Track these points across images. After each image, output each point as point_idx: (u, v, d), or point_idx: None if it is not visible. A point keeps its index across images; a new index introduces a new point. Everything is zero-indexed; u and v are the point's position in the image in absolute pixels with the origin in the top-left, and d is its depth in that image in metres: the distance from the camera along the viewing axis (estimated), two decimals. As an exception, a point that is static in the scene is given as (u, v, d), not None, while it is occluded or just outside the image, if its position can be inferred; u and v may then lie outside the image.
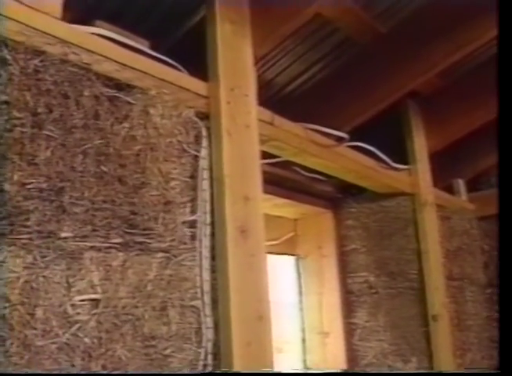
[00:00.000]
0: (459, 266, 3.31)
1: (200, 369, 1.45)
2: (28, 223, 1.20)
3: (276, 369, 2.35)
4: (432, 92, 3.03)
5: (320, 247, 2.91)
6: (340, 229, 2.92)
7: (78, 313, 1.25)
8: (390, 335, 2.73)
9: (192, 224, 1.53)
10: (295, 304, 2.91)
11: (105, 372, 1.26)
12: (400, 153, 2.88)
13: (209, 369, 1.46)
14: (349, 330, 2.81)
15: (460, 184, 3.76)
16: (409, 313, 2.73)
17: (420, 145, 3.00)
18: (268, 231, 2.68)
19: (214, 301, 1.51)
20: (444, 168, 3.41)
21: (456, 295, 3.20)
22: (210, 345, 1.48)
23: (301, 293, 2.92)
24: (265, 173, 2.09)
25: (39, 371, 1.17)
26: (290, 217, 2.96)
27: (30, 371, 1.14)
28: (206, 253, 1.52)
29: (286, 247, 2.96)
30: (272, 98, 2.61)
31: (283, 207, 2.75)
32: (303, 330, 2.87)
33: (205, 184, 1.58)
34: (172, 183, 1.51)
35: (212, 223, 1.56)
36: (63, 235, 1.25)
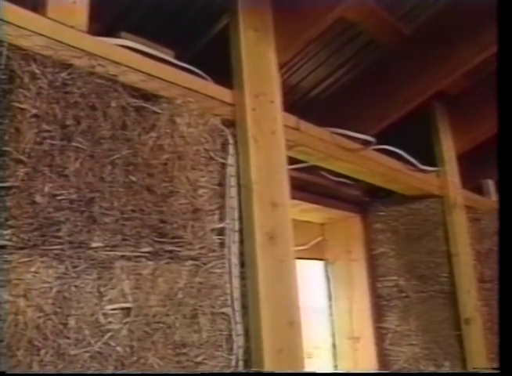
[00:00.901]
0: (490, 268, 3.26)
1: (231, 376, 1.45)
2: (59, 234, 1.22)
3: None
4: (459, 92, 3.00)
5: (349, 252, 2.90)
6: (369, 232, 2.91)
7: (110, 322, 1.26)
8: (421, 339, 2.70)
9: (221, 231, 1.53)
10: (325, 309, 2.89)
11: (105, 373, 1.26)
12: (428, 155, 2.85)
13: (240, 376, 1.47)
14: (380, 335, 2.79)
15: (490, 185, 3.71)
16: (440, 317, 2.70)
17: (448, 146, 2.97)
18: (296, 236, 2.67)
19: (244, 308, 1.51)
20: (473, 168, 3.36)
21: (489, 298, 3.15)
22: (241, 352, 1.48)
23: (330, 298, 2.91)
24: (291, 178, 2.09)
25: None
26: (317, 222, 2.96)
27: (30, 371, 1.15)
28: (235, 260, 1.52)
29: (315, 252, 2.95)
30: (298, 103, 2.61)
31: (311, 213, 2.75)
32: (333, 336, 2.85)
33: (233, 191, 1.58)
34: (200, 191, 1.51)
35: (241, 230, 1.57)
36: (94, 245, 1.27)
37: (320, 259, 3.02)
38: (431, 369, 2.64)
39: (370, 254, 2.88)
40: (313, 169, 2.47)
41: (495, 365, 2.93)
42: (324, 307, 2.92)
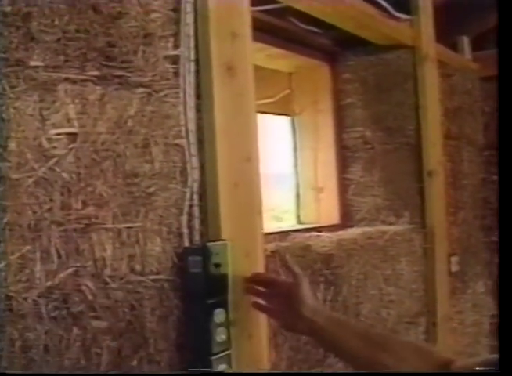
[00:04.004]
0: (457, 126, 3.26)
1: (186, 209, 1.42)
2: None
3: (270, 227, 2.37)
4: None
5: (316, 102, 2.82)
6: (337, 83, 2.81)
7: (54, 147, 1.20)
8: (384, 190, 2.72)
9: (175, 60, 1.42)
10: (290, 160, 2.87)
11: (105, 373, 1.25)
12: (402, 2, 2.71)
13: (195, 209, 1.43)
14: (343, 186, 2.80)
15: (465, 42, 3.62)
16: (404, 169, 2.70)
17: (424, -6, 2.82)
18: (263, 88, 2.60)
19: (200, 142, 1.45)
20: (449, 23, 3.24)
21: (453, 154, 3.17)
22: (196, 186, 1.44)
23: (295, 149, 2.87)
24: (258, 21, 1.97)
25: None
26: (285, 71, 2.85)
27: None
28: (190, 90, 1.43)
29: (282, 107, 2.87)
30: None
31: (278, 59, 2.63)
32: (297, 186, 2.85)
33: (189, 18, 1.46)
34: (152, 15, 1.39)
35: (197, 60, 1.47)
36: (33, 64, 1.17)
37: (287, 115, 2.95)
38: (391, 219, 2.68)
39: (338, 104, 2.81)
40: (282, 14, 2.33)
41: (452, 218, 3.01)
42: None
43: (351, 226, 2.66)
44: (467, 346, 3.25)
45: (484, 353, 3.42)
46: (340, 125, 2.80)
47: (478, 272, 3.43)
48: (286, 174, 2.89)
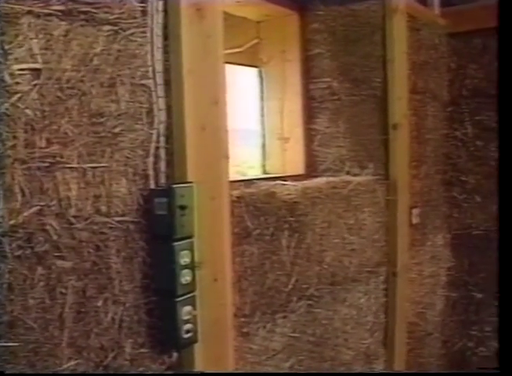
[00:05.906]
0: (423, 81, 3.26)
1: (152, 151, 1.41)
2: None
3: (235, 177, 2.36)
4: None
5: (283, 52, 2.79)
6: (306, 32, 2.78)
7: (18, 83, 1.17)
8: (349, 142, 2.73)
9: (144, -2, 1.40)
10: (256, 111, 2.85)
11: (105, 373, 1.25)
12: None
13: (161, 151, 1.42)
14: (309, 136, 2.80)
15: (435, -4, 3.60)
16: (369, 121, 2.71)
17: None
18: (232, 37, 2.56)
19: (168, 83, 1.43)
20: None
21: (418, 109, 3.19)
22: (162, 127, 1.42)
23: (262, 99, 2.85)
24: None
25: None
26: (253, 19, 2.80)
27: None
28: (158, 30, 1.41)
29: (250, 57, 2.84)
30: None
31: (247, 6, 2.58)
32: (263, 136, 2.85)
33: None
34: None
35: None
36: (-5, -6, 1.13)
37: (254, 66, 2.92)
38: (356, 170, 2.70)
39: (305, 54, 2.78)
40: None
41: (414, 172, 3.06)
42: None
43: (316, 176, 2.67)
44: (424, 296, 3.35)
45: (440, 304, 3.53)
46: (308, 76, 2.78)
47: (438, 225, 3.50)
48: (252, 129, 2.87)
